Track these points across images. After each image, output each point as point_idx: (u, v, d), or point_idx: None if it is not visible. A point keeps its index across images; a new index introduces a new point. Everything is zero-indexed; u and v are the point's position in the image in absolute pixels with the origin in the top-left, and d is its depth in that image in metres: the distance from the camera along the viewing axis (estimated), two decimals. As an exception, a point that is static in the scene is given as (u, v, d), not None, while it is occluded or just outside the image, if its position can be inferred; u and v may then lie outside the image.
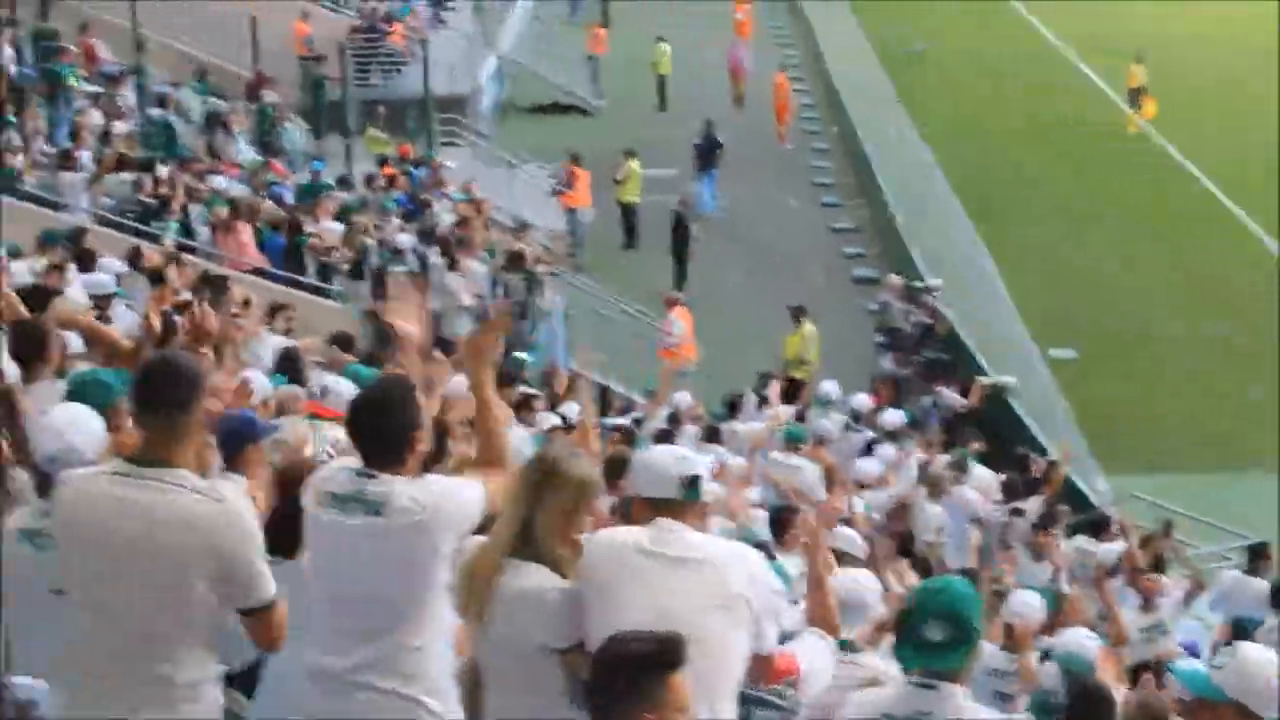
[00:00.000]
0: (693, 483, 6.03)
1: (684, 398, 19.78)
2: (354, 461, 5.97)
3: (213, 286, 15.70)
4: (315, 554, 6.04)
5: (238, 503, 5.68)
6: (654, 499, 6.02)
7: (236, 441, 7.72)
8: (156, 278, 16.65)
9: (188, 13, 33.65)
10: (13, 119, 24.55)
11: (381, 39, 36.38)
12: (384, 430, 5.92)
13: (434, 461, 7.15)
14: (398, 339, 7.39)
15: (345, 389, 10.46)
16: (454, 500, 5.89)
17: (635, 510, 6.14)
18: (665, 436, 16.26)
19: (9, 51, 27.87)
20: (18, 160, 23.37)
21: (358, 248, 24.06)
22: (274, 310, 17.57)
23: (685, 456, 6.23)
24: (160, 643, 5.57)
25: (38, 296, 10.94)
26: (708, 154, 34.10)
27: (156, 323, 8.70)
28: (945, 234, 30.05)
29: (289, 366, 13.10)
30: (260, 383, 10.49)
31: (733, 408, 21.10)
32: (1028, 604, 11.26)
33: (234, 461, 7.65)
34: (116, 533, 5.55)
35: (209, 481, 5.77)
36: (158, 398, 5.69)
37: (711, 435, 18.15)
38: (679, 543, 5.87)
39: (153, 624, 5.56)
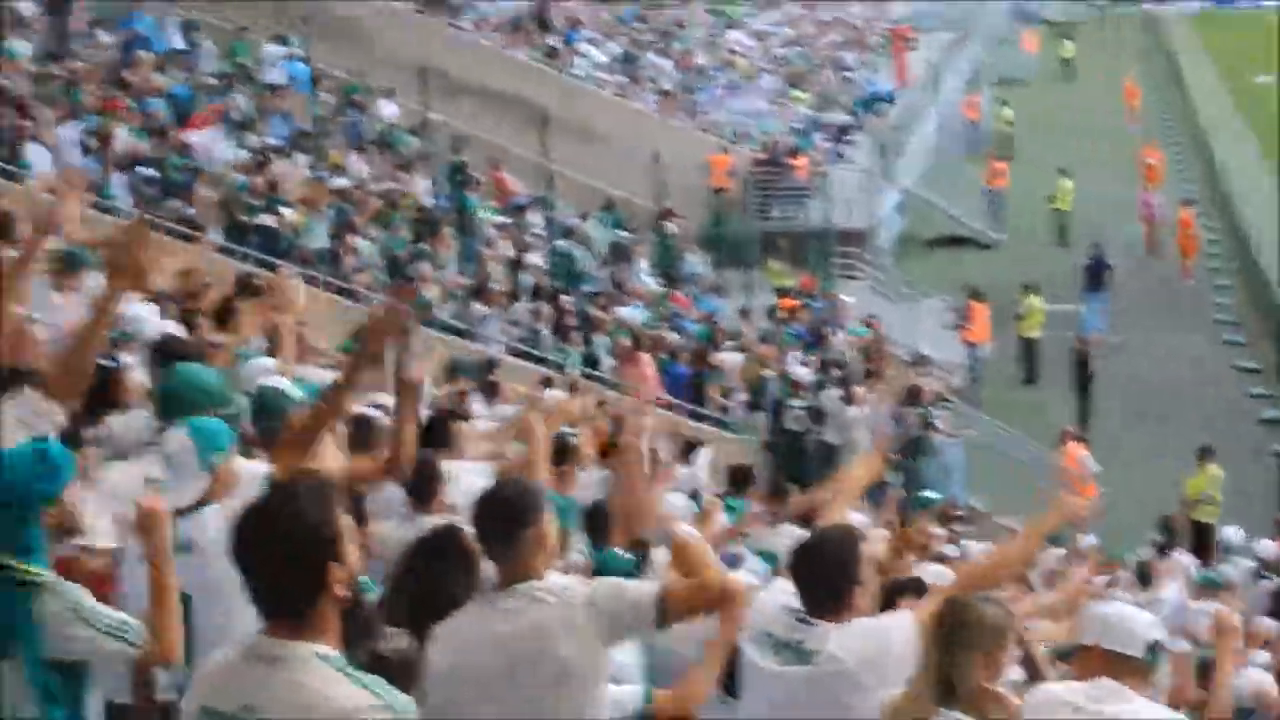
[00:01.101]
0: (1156, 647, 5.98)
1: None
2: (793, 599, 5.99)
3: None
4: (748, 697, 6.06)
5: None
6: (1113, 653, 5.94)
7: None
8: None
9: (595, 147, 34.51)
10: (427, 249, 25.38)
11: (784, 172, 36.69)
12: (822, 579, 5.90)
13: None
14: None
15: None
16: (886, 648, 5.82)
17: (1084, 659, 6.03)
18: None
19: (425, 183, 28.91)
20: (431, 290, 24.10)
21: (756, 380, 24.20)
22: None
23: (1155, 620, 6.15)
24: None
25: (439, 426, 10.96)
26: (1096, 275, 33.61)
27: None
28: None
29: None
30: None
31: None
32: None
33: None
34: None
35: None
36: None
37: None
38: (1119, 705, 5.72)
39: None
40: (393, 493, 8.45)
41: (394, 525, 8.26)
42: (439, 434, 9.87)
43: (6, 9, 27.43)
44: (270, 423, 7.45)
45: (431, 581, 5.88)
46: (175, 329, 11.50)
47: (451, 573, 5.85)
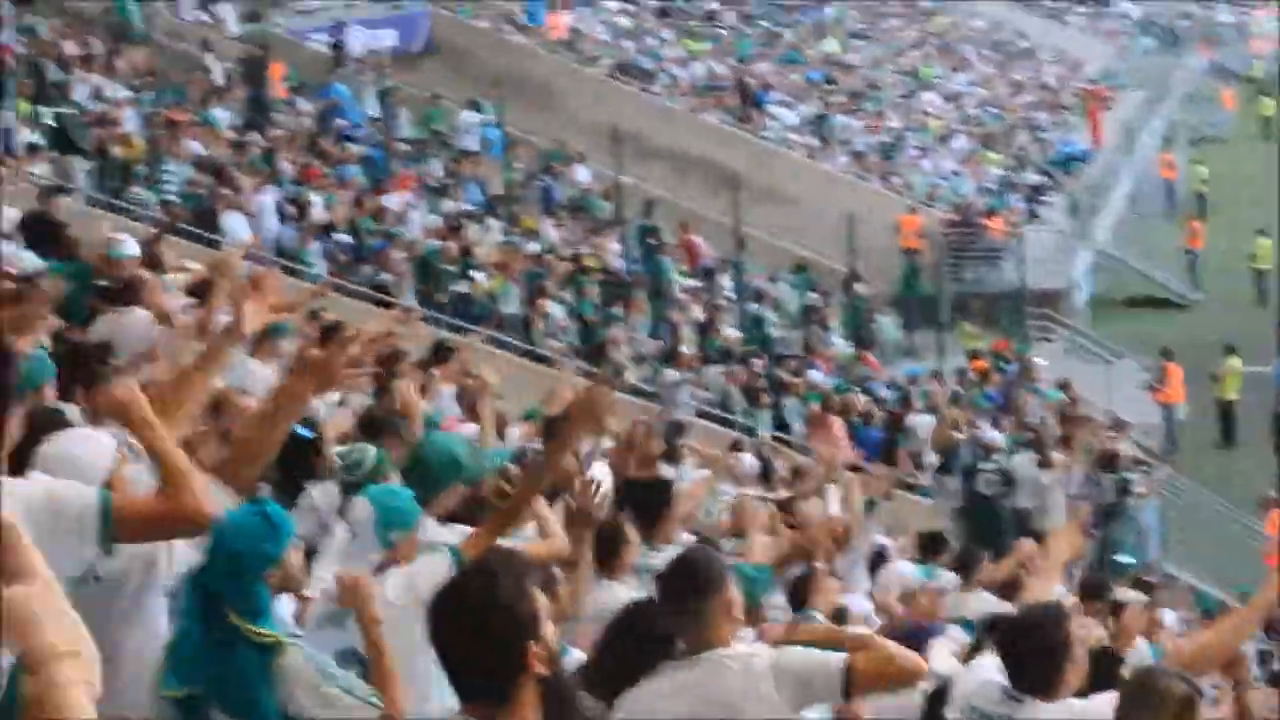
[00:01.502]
0: None
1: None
2: (1001, 675, 6.01)
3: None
4: None
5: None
6: None
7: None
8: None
9: (786, 209, 34.54)
10: (620, 314, 25.52)
11: (977, 233, 36.43)
12: (1033, 658, 5.90)
13: None
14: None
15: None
16: None
17: None
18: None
19: (616, 247, 29.10)
20: (621, 355, 24.21)
21: (948, 444, 24.01)
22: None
23: None
24: None
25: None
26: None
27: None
28: None
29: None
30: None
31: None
32: None
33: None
34: None
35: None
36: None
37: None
38: None
39: None
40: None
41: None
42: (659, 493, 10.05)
43: (206, 78, 28.14)
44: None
45: (630, 658, 5.89)
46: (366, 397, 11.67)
47: (648, 649, 5.87)
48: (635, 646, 5.92)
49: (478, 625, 4.01)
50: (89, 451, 5.74)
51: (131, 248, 12.42)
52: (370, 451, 8.08)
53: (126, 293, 11.14)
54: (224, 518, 5.43)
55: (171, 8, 31.73)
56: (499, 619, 4.01)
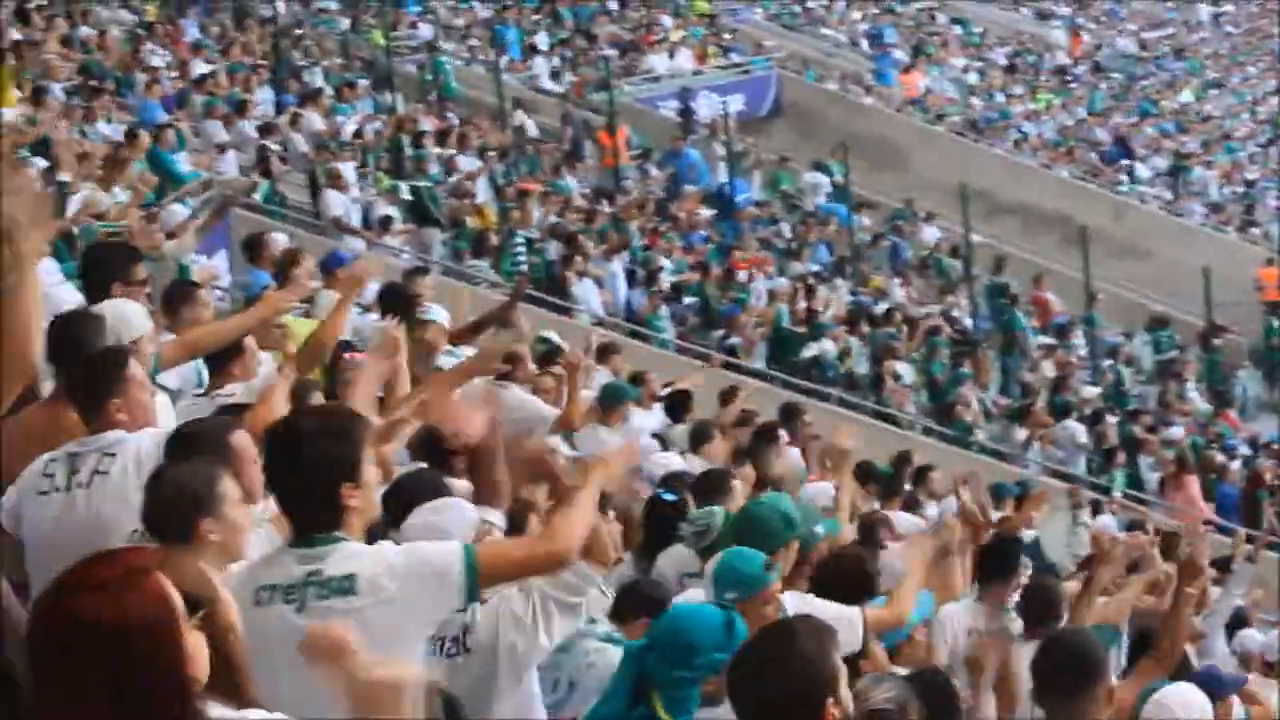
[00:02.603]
0: None
1: None
2: None
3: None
4: None
5: None
6: None
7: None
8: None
9: (1140, 263, 33.92)
10: (969, 372, 25.32)
11: (1340, 284, 35.28)
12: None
13: None
14: None
15: None
16: None
17: None
18: None
19: (965, 305, 28.91)
20: (969, 413, 24.01)
21: (1313, 502, 23.29)
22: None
23: None
24: None
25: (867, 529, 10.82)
26: None
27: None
28: None
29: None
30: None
31: None
32: None
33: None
34: None
35: None
36: None
37: None
38: None
39: None
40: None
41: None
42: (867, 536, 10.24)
43: (557, 147, 28.83)
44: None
45: None
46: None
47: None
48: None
49: (780, 681, 4.14)
50: (452, 521, 5.94)
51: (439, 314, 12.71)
52: (718, 513, 8.11)
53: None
54: (692, 608, 5.54)
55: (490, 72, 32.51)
56: (801, 676, 4.14)
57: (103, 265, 8.46)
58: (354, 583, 4.79)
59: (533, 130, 29.14)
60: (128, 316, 7.30)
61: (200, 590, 3.50)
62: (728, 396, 15.84)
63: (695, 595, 6.54)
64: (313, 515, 4.91)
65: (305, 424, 5.05)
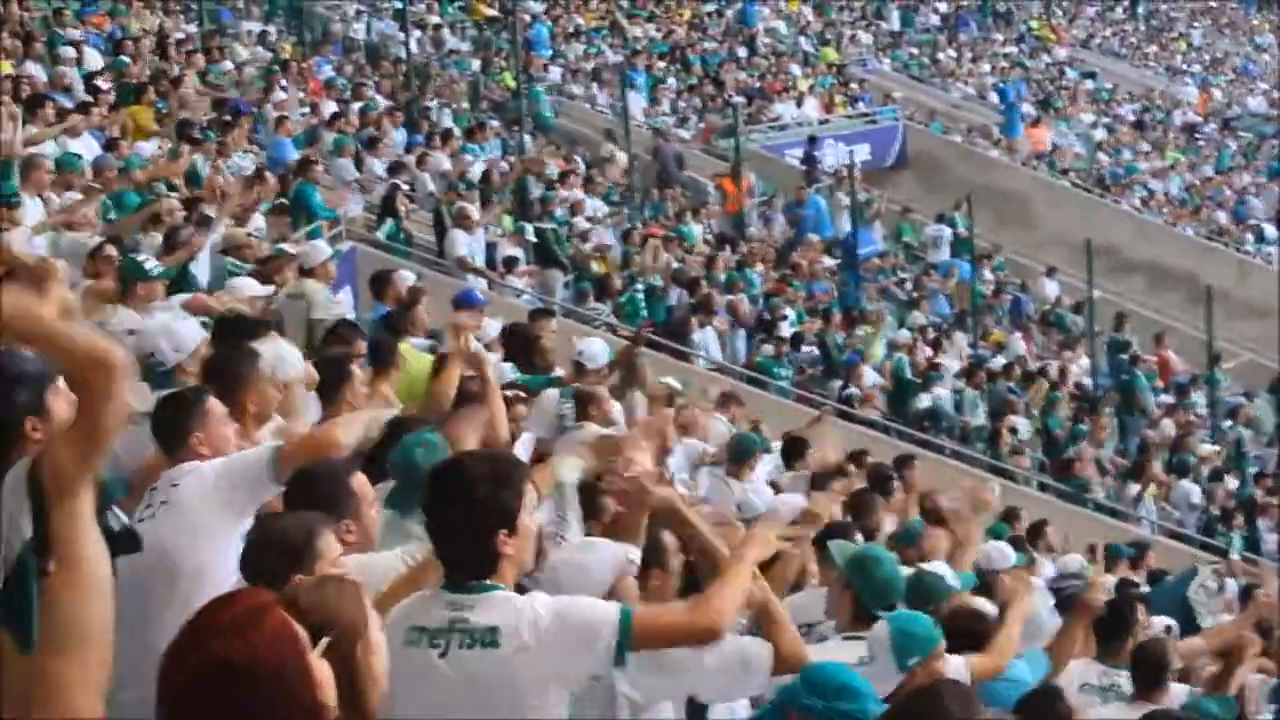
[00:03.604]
0: None
1: None
2: None
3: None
4: None
5: None
6: None
7: None
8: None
9: (1264, 322, 33.68)
10: (1086, 429, 25.26)
11: None
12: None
13: None
14: None
15: None
16: None
17: None
18: None
19: (1085, 361, 28.84)
20: (1089, 471, 23.94)
21: None
22: None
23: None
24: None
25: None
26: None
27: None
28: None
29: None
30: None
31: None
32: None
33: None
34: None
35: None
36: None
37: None
38: None
39: None
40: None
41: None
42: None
43: (681, 193, 29.04)
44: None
45: None
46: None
47: None
48: None
49: None
50: (596, 561, 6.04)
51: (599, 355, 12.92)
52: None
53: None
54: (849, 669, 5.63)
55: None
56: None
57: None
58: (497, 635, 4.81)
59: (623, 161, 29.26)
60: (284, 356, 7.53)
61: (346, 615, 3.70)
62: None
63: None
64: (468, 560, 4.94)
65: (472, 467, 5.03)
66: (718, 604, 5.05)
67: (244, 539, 5.39)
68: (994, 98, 43.86)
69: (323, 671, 3.36)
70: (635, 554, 6.45)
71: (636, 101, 33.04)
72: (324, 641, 3.40)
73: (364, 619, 3.83)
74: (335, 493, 5.87)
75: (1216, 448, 27.00)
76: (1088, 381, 28.10)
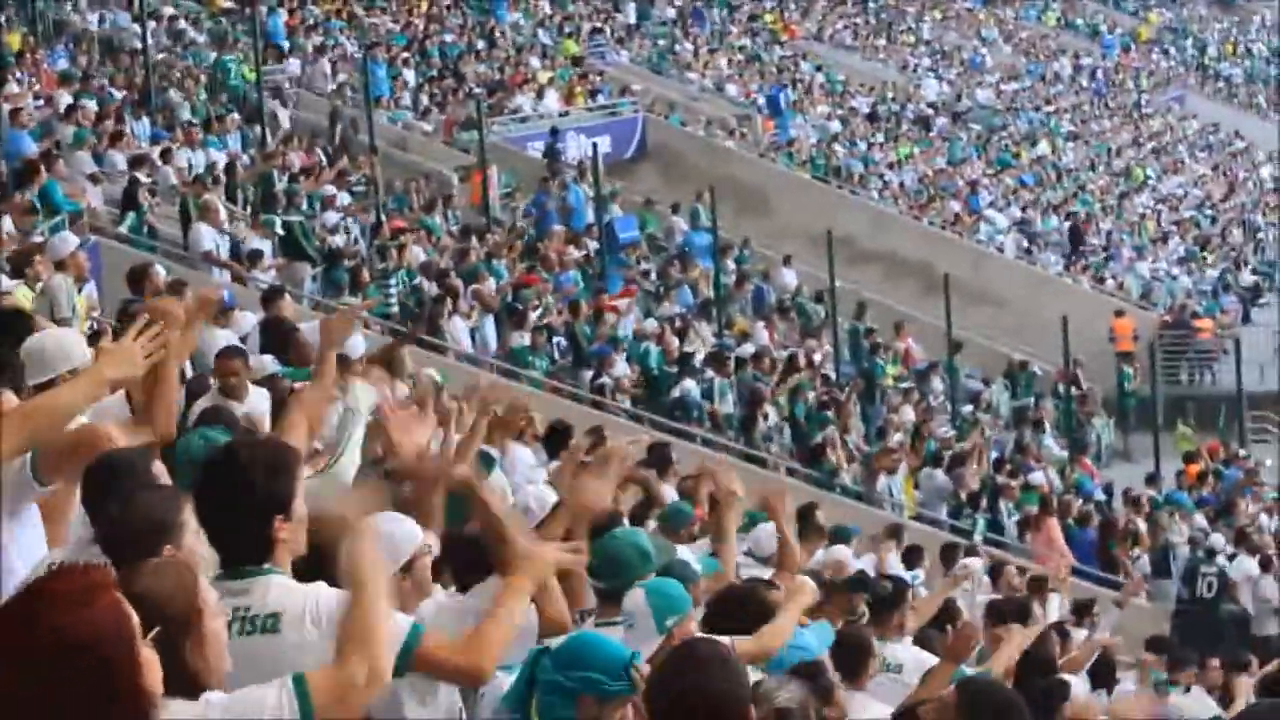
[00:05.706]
0: None
1: None
2: None
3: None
4: None
5: None
6: None
7: None
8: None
9: (998, 311, 34.52)
10: (831, 417, 25.61)
11: (1191, 335, 36.11)
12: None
13: None
14: None
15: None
16: None
17: None
18: None
19: (827, 349, 29.26)
20: (833, 456, 24.27)
21: (1164, 546, 23.78)
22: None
23: None
24: None
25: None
26: None
27: None
28: None
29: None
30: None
31: None
32: None
33: None
34: None
35: None
36: None
37: None
38: None
39: None
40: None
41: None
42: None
43: (427, 185, 28.88)
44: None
45: None
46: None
47: None
48: None
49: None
50: (399, 532, 5.92)
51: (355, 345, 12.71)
52: None
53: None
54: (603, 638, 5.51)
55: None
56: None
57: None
58: (279, 622, 4.81)
59: (285, 123, 28.96)
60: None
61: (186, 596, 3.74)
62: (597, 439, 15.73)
63: None
64: (245, 546, 4.91)
65: (243, 454, 5.04)
66: (488, 650, 5.01)
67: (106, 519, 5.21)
68: (731, 90, 44.27)
69: (148, 657, 3.35)
70: (433, 539, 6.39)
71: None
72: (155, 631, 3.39)
73: (197, 608, 3.80)
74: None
75: (955, 433, 27.57)
76: (829, 370, 28.49)
